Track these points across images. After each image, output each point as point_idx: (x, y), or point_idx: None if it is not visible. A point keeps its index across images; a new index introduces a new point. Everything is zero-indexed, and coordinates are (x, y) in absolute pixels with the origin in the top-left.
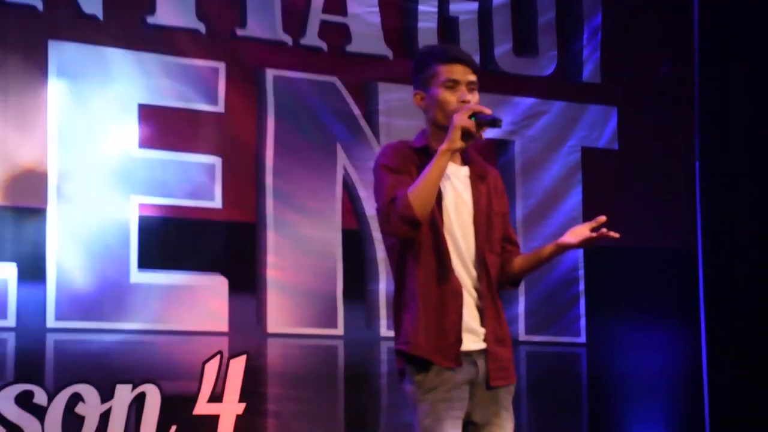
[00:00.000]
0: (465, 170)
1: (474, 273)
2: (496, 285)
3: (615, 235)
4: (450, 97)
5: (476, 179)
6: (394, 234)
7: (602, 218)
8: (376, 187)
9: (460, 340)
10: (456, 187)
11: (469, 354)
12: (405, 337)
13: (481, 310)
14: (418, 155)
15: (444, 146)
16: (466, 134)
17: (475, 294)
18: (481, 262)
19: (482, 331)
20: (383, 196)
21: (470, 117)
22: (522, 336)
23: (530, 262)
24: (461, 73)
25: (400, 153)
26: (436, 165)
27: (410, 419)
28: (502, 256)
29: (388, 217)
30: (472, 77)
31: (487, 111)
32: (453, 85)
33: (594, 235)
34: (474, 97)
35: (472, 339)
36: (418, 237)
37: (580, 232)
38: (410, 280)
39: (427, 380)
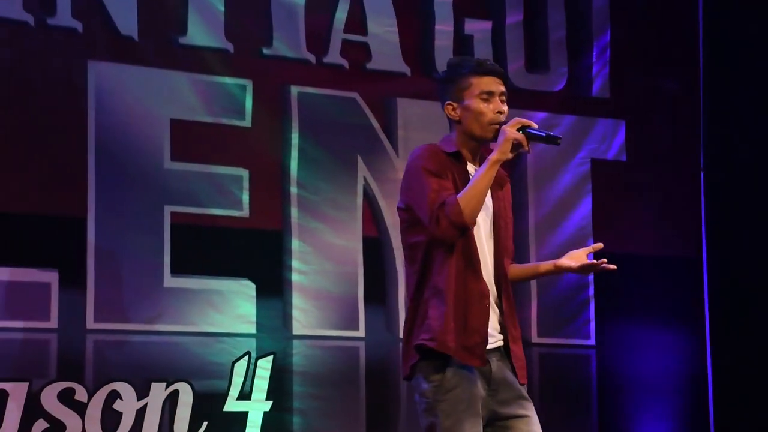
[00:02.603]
0: None
1: (493, 274)
2: (511, 289)
3: (612, 267)
4: (485, 109)
5: (495, 186)
6: (441, 237)
7: (599, 245)
8: (412, 187)
9: (486, 341)
10: None
11: (485, 352)
12: (431, 333)
13: (499, 310)
14: (451, 160)
15: (494, 156)
16: (515, 146)
17: (494, 296)
18: (499, 264)
19: (499, 330)
20: (428, 198)
21: (518, 130)
22: (534, 338)
23: (524, 274)
24: (495, 84)
25: (438, 157)
26: (487, 174)
27: (421, 418)
28: None
29: (438, 220)
30: (503, 88)
31: (534, 125)
32: (488, 97)
33: (592, 262)
34: (505, 108)
35: (490, 339)
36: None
37: (578, 257)
38: (437, 278)
39: (446, 380)
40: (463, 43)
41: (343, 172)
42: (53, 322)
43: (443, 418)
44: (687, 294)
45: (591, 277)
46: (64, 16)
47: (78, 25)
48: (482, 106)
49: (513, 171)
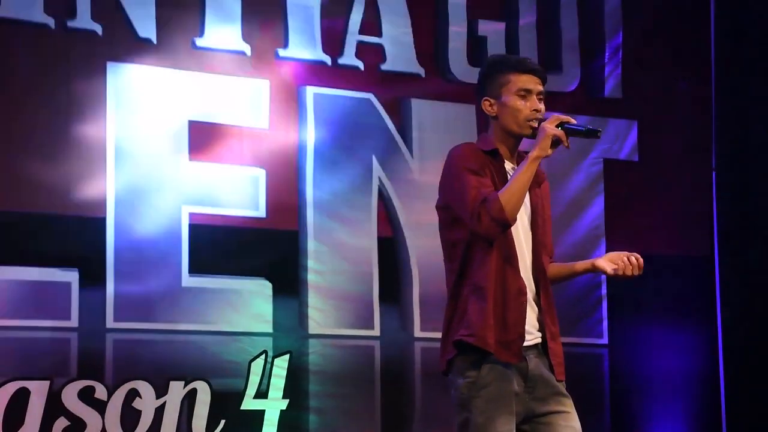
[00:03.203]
0: None
1: (532, 271)
2: (550, 286)
3: (638, 273)
4: (522, 106)
5: (534, 183)
6: (483, 234)
7: (640, 259)
8: (452, 186)
9: (522, 337)
10: None
11: (522, 349)
12: (471, 329)
13: (537, 307)
14: (489, 158)
15: (534, 153)
16: (554, 142)
17: (532, 293)
18: (538, 261)
19: (537, 327)
20: (469, 196)
21: (557, 126)
22: None
23: (563, 273)
24: (533, 83)
25: (476, 155)
26: (527, 170)
27: (456, 413)
28: None
29: (479, 217)
30: (542, 87)
31: (573, 120)
32: (526, 94)
33: (628, 269)
34: (542, 107)
35: (527, 336)
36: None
37: (615, 258)
38: (476, 275)
39: (481, 377)
40: (476, 44)
41: (359, 173)
42: (74, 321)
43: (476, 414)
44: (699, 293)
45: (603, 276)
46: (84, 18)
47: (98, 28)
48: (519, 103)
49: None
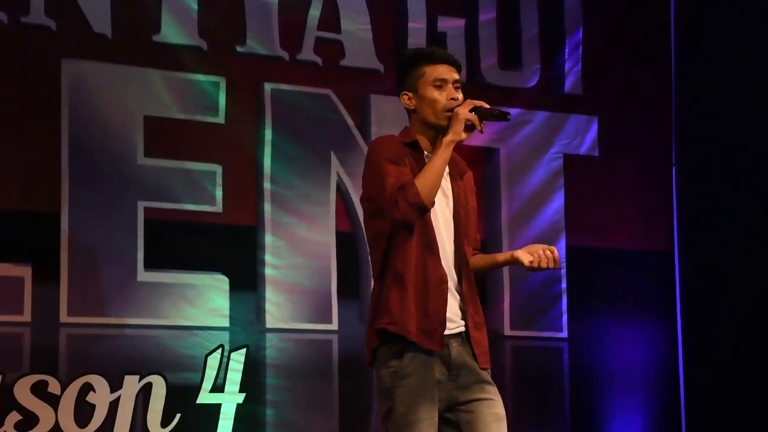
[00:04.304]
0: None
1: (453, 261)
2: (472, 275)
3: (559, 267)
4: (439, 96)
5: (456, 175)
6: (402, 219)
7: (556, 252)
8: (372, 177)
9: (444, 325)
10: None
11: (443, 337)
12: (391, 317)
13: (459, 296)
14: (409, 150)
15: (448, 137)
16: (468, 127)
17: (454, 282)
18: (460, 251)
19: (460, 316)
20: (387, 184)
21: (471, 111)
22: (507, 331)
23: (486, 264)
24: (448, 72)
25: (396, 146)
26: (442, 155)
27: (379, 402)
28: None
29: (397, 203)
30: (457, 76)
31: (486, 105)
32: (442, 84)
33: (543, 261)
34: (460, 96)
35: (450, 324)
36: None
37: (533, 250)
38: (398, 265)
39: (403, 366)
40: (436, 40)
41: (317, 168)
42: (26, 316)
43: (399, 403)
44: (659, 288)
45: (564, 270)
46: (37, 14)
47: (52, 24)
48: (436, 94)
49: (487, 165)
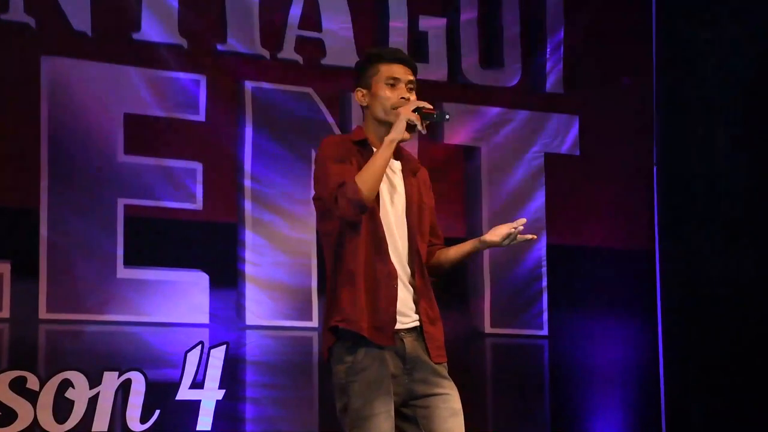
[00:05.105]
0: (398, 164)
1: (406, 258)
2: (426, 270)
3: (530, 237)
4: (390, 94)
5: (408, 173)
6: (342, 216)
7: (522, 220)
8: (318, 176)
9: (394, 320)
10: (390, 179)
11: (397, 332)
12: (343, 315)
13: (413, 292)
14: (357, 148)
15: (390, 136)
16: (410, 126)
17: (407, 277)
18: (413, 248)
19: (414, 310)
20: (330, 182)
21: (414, 111)
22: (487, 329)
23: (455, 256)
24: (402, 72)
25: (342, 145)
26: (382, 153)
27: (336, 398)
28: (428, 248)
29: (337, 200)
30: (411, 77)
31: (429, 106)
32: (394, 83)
33: (513, 231)
34: (412, 97)
35: (404, 319)
36: (358, 222)
37: (500, 231)
38: (348, 263)
39: (357, 362)
40: (417, 39)
41: (298, 166)
42: (5, 312)
43: (354, 398)
44: (639, 286)
45: (544, 268)
46: (17, 11)
47: (31, 21)
48: (388, 92)
49: (468, 164)
